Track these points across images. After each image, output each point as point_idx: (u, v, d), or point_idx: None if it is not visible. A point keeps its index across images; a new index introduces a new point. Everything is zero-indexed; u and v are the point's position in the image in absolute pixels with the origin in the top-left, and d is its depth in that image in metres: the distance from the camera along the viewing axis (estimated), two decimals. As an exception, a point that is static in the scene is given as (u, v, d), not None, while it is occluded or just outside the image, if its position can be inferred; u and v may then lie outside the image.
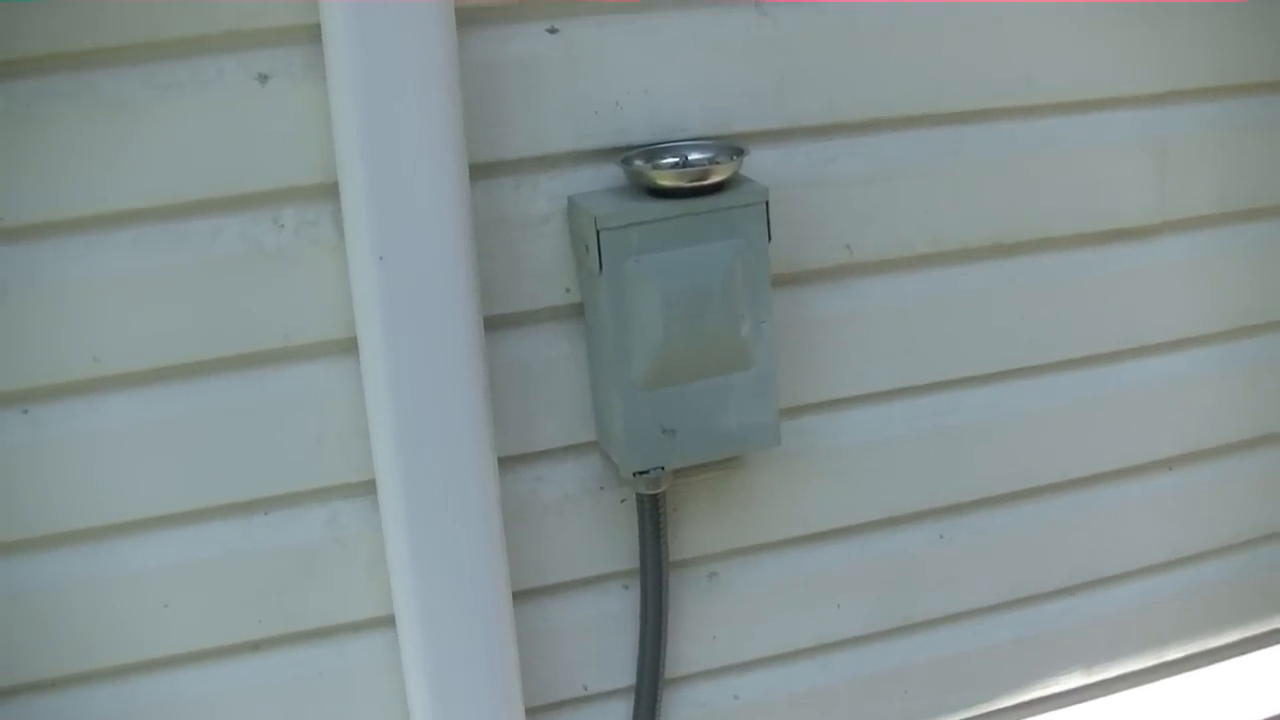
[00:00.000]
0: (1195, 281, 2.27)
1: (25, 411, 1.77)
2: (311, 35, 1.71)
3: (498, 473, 1.88)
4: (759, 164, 1.94)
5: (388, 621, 1.94)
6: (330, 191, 1.78)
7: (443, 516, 1.84)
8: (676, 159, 1.89)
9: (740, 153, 1.87)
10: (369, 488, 1.89)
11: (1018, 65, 2.07)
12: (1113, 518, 2.34)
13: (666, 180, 1.84)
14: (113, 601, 1.86)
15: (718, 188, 1.85)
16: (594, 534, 2.05)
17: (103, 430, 1.80)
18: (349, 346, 1.83)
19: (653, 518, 2.00)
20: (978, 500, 2.25)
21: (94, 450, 1.80)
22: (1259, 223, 2.29)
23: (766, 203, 1.86)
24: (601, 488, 2.03)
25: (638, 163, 1.87)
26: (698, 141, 1.92)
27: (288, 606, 1.93)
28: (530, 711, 2.01)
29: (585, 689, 2.11)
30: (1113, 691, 2.44)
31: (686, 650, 2.14)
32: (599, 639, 2.09)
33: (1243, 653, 2.51)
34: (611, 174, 1.90)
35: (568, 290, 1.93)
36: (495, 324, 1.89)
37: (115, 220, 1.74)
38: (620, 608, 2.09)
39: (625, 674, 2.11)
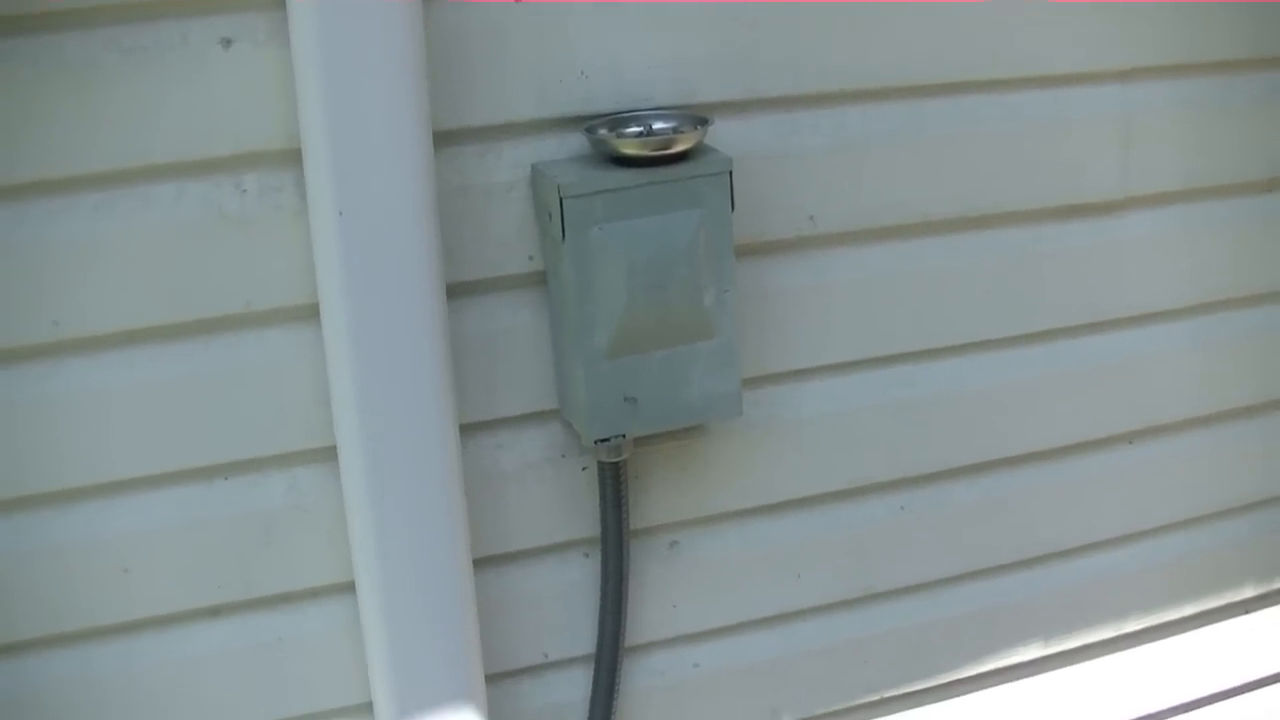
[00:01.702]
0: (1158, 258, 2.28)
1: (-16, 376, 1.76)
2: (275, 0, 1.70)
3: (459, 440, 1.88)
4: (723, 134, 1.94)
5: (348, 588, 1.94)
6: (294, 158, 1.77)
7: (403, 483, 1.84)
8: (641, 128, 1.89)
9: (704, 122, 1.87)
10: (330, 454, 1.88)
11: (983, 40, 2.07)
12: (1073, 491, 2.36)
13: (630, 149, 1.84)
14: (72, 567, 1.85)
15: (682, 157, 1.85)
16: (555, 502, 2.05)
17: (62, 395, 1.80)
18: (311, 313, 1.82)
19: (614, 486, 2.00)
20: (939, 472, 2.26)
21: (53, 415, 1.80)
22: (1222, 200, 2.30)
23: (730, 173, 1.86)
24: (563, 456, 2.03)
25: (602, 131, 1.87)
26: (662, 111, 1.91)
27: (248, 573, 1.93)
28: (490, 678, 2.01)
29: (545, 656, 2.11)
30: (1072, 663, 2.46)
31: (647, 619, 2.14)
32: (560, 607, 2.09)
33: (1201, 625, 2.53)
34: (576, 143, 1.90)
35: (531, 258, 1.93)
36: (458, 291, 1.88)
37: (77, 184, 1.73)
38: (581, 576, 2.09)
39: (586, 642, 2.11)
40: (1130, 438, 2.36)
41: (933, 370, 2.20)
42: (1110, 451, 2.36)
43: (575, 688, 2.13)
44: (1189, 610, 2.51)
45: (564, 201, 1.80)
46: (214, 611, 1.93)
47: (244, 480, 1.90)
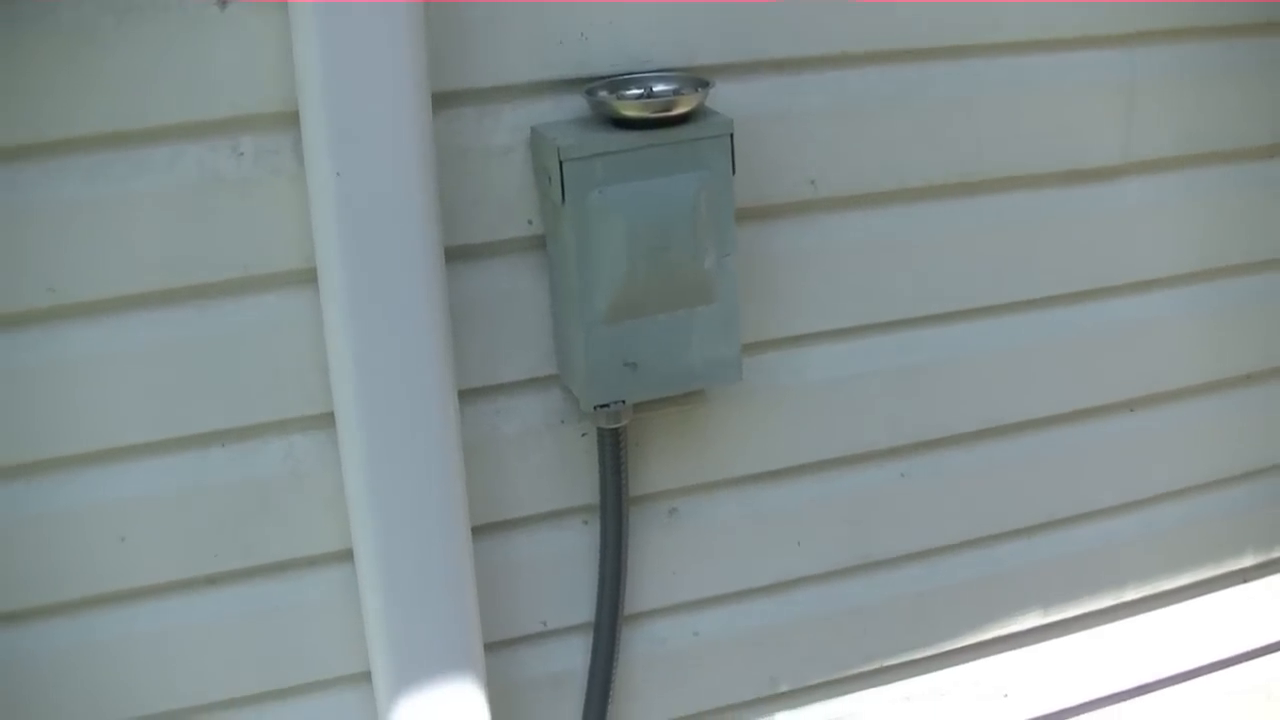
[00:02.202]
0: (1160, 224, 2.27)
1: (-21, 341, 1.75)
2: (271, -41, 1.69)
3: (458, 406, 1.87)
4: (724, 97, 1.93)
5: (346, 556, 1.93)
6: (291, 120, 1.75)
7: (402, 449, 1.83)
8: (641, 90, 1.88)
9: (705, 85, 1.85)
10: (328, 420, 1.88)
11: (987, 3, 2.06)
12: (1073, 458, 2.35)
13: (631, 111, 1.82)
14: (69, 534, 1.84)
15: (682, 119, 1.83)
16: (554, 468, 2.04)
17: (57, 362, 1.78)
18: (309, 278, 1.81)
19: (613, 452, 1.99)
20: (939, 439, 2.25)
21: (48, 383, 1.78)
22: (1224, 166, 2.29)
23: (731, 135, 1.85)
24: (562, 422, 2.02)
25: (602, 93, 1.85)
26: (663, 73, 1.90)
27: (245, 540, 1.92)
28: (489, 646, 2.00)
29: (544, 624, 2.10)
30: (1071, 632, 2.46)
31: (646, 586, 2.14)
32: (559, 574, 2.09)
33: (1200, 594, 2.53)
34: (576, 105, 1.88)
35: (530, 222, 1.91)
36: (457, 255, 1.87)
37: (71, 147, 1.71)
38: (580, 543, 2.08)
39: (585, 610, 2.11)
40: (1131, 405, 2.35)
41: (934, 336, 2.20)
42: (1111, 419, 2.36)
43: (574, 656, 2.13)
44: (1188, 579, 2.51)
45: (564, 164, 1.78)
46: (211, 580, 1.92)
47: (241, 447, 1.89)
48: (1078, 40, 2.13)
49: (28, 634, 1.87)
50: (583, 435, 2.03)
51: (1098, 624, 2.47)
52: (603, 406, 1.91)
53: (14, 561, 1.83)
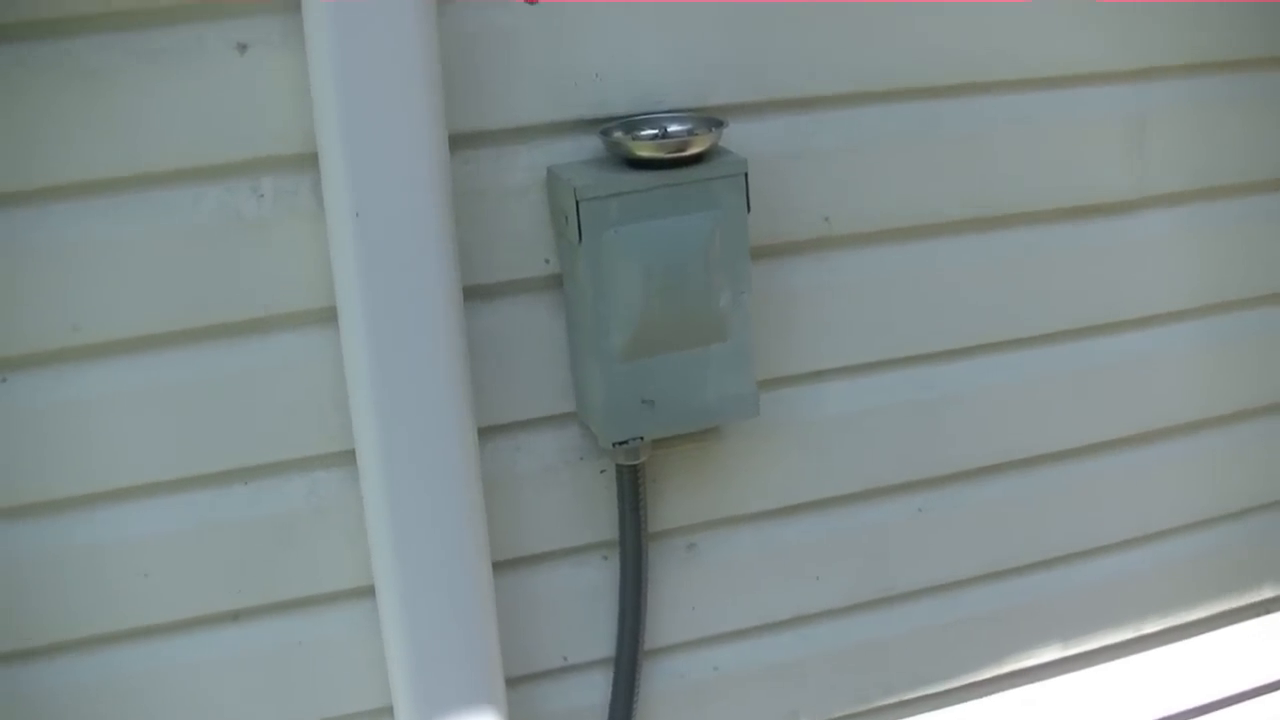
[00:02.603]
0: (1172, 257, 2.27)
1: (3, 380, 1.76)
2: (290, 5, 1.71)
3: (477, 442, 1.88)
4: (738, 136, 1.94)
5: (367, 592, 1.94)
6: (309, 162, 1.77)
7: (422, 486, 1.84)
8: (656, 130, 1.90)
9: (719, 124, 1.87)
10: (349, 458, 1.89)
11: (997, 40, 2.07)
12: (1090, 491, 2.35)
13: (646, 151, 1.84)
14: (92, 571, 1.86)
15: (697, 159, 1.85)
16: (573, 505, 2.05)
17: (82, 400, 1.80)
18: (329, 316, 1.83)
19: (632, 488, 2.00)
20: (956, 473, 2.25)
21: (73, 420, 1.80)
22: (1236, 199, 2.29)
23: (746, 174, 1.86)
24: (581, 458, 2.03)
25: (617, 134, 1.87)
26: (677, 113, 1.92)
27: (267, 576, 1.93)
28: (510, 681, 2.01)
29: (565, 659, 2.11)
30: (1091, 664, 2.45)
31: (666, 621, 2.14)
32: (579, 610, 2.10)
33: (1220, 626, 2.52)
34: (591, 145, 1.90)
35: (547, 261, 1.93)
36: (475, 294, 1.89)
37: (94, 189, 1.74)
38: (600, 579, 2.09)
39: (605, 645, 2.11)
40: (1146, 438, 2.35)
41: (948, 371, 2.20)
42: (1127, 451, 2.36)
43: (595, 691, 2.13)
44: (1208, 611, 2.50)
45: (580, 204, 1.80)
46: (234, 615, 1.94)
47: (263, 484, 1.90)
48: (1088, 76, 2.14)
49: (50, 670, 1.88)
50: (601, 472, 2.04)
51: (1118, 656, 2.47)
52: (621, 443, 1.92)
53: (38, 597, 1.85)
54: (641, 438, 1.92)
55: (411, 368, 1.80)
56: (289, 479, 1.91)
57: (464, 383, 1.84)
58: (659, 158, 1.84)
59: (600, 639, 2.11)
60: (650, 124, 1.90)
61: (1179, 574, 2.46)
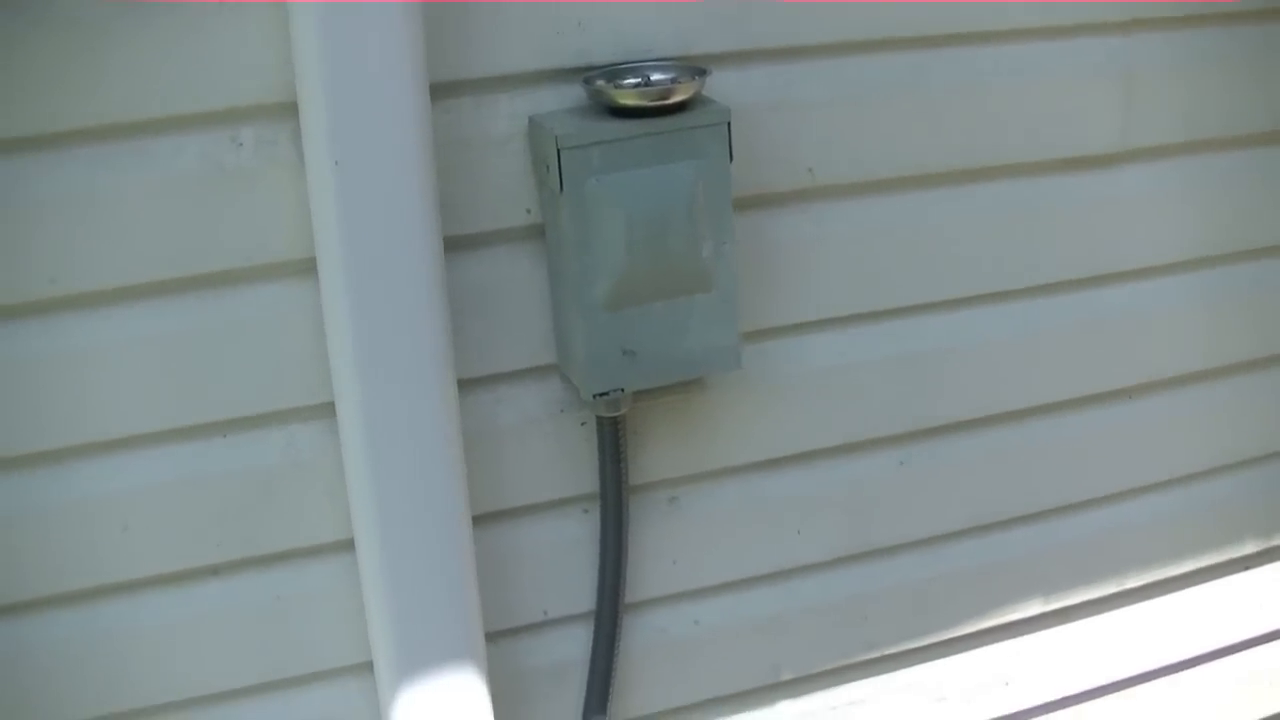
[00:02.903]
0: (1159, 210, 2.27)
1: (-21, 332, 1.75)
2: (270, -49, 1.70)
3: (457, 395, 1.87)
4: (721, 86, 1.92)
5: (347, 545, 1.94)
6: (289, 111, 1.76)
7: (402, 439, 1.83)
8: (638, 79, 1.88)
9: (702, 73, 1.86)
10: (328, 410, 1.88)
11: (984, -10, 2.07)
12: (1073, 446, 2.35)
13: (628, 99, 1.83)
14: (71, 525, 1.85)
15: (680, 108, 1.84)
16: (554, 457, 2.04)
17: (59, 352, 1.79)
18: (309, 268, 1.81)
19: (612, 441, 2.00)
20: (939, 427, 2.25)
21: (50, 372, 1.79)
22: (1223, 153, 2.29)
23: (728, 123, 1.85)
24: (561, 410, 2.03)
25: (599, 82, 1.86)
26: (660, 62, 1.90)
27: (247, 530, 1.93)
28: (490, 636, 2.00)
29: (545, 614, 2.11)
30: (1072, 619, 2.46)
31: (647, 575, 2.14)
32: (559, 563, 2.09)
33: (1202, 581, 2.53)
34: (573, 94, 1.89)
35: (528, 211, 1.92)
36: (455, 245, 1.87)
37: (72, 139, 1.72)
38: (580, 532, 2.08)
39: (585, 599, 2.11)
40: (1131, 392, 2.35)
41: (933, 324, 2.20)
42: (1111, 406, 2.36)
43: (576, 645, 2.13)
44: (1190, 566, 2.50)
45: (561, 152, 1.79)
46: (214, 570, 1.93)
47: (242, 437, 1.90)
48: (1076, 27, 2.13)
49: (30, 625, 1.88)
50: (582, 424, 2.04)
51: (1100, 611, 2.47)
52: (602, 395, 1.91)
53: (17, 552, 1.84)
54: (623, 389, 1.92)
55: (391, 319, 1.79)
56: (268, 432, 1.91)
57: (444, 334, 1.83)
58: (641, 106, 1.83)
59: (581, 593, 2.11)
60: (633, 72, 1.89)
61: (1162, 529, 2.46)
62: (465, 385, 1.93)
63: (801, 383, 2.14)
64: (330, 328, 1.80)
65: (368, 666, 1.98)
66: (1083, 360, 2.30)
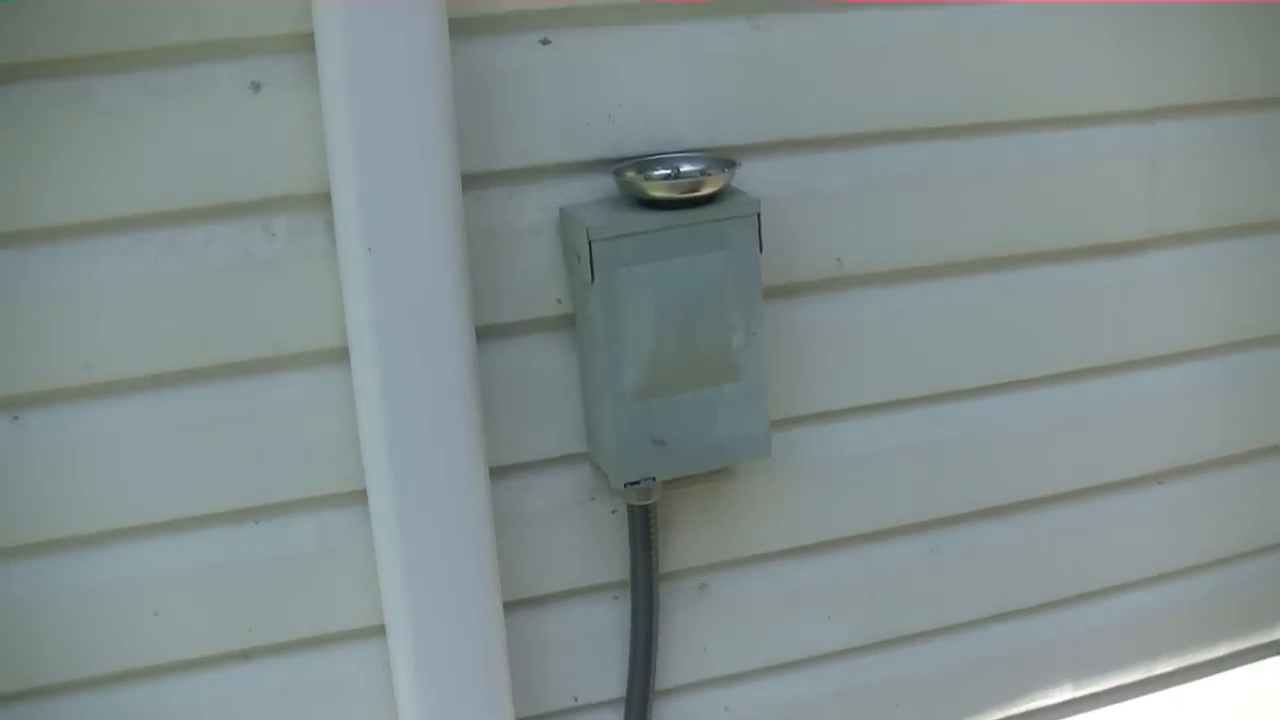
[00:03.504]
0: (1184, 297, 2.27)
1: (15, 418, 1.76)
2: (304, 44, 1.72)
3: (488, 483, 1.88)
4: (750, 176, 1.94)
5: (378, 631, 1.94)
6: (322, 201, 1.78)
7: (433, 526, 1.84)
8: (668, 170, 1.90)
9: (732, 165, 1.87)
10: (359, 497, 1.88)
11: (1009, 80, 2.08)
12: (1102, 531, 2.34)
13: (658, 191, 1.84)
14: (102, 609, 1.85)
15: (709, 199, 1.85)
16: (585, 544, 2.04)
17: (93, 437, 1.80)
18: (340, 355, 1.83)
19: (643, 528, 2.00)
20: (967, 513, 2.25)
21: (84, 457, 1.80)
22: (1247, 238, 2.29)
23: (758, 214, 1.86)
24: (592, 498, 2.03)
25: (629, 174, 1.87)
26: (690, 153, 1.92)
27: (278, 615, 1.93)
28: (521, 721, 2.01)
29: (575, 700, 2.10)
30: (1102, 705, 2.44)
31: (677, 661, 2.13)
32: (590, 650, 2.09)
33: (1232, 666, 2.51)
34: (603, 185, 1.90)
35: (559, 301, 1.93)
36: (487, 334, 1.88)
37: (107, 227, 1.74)
38: (611, 619, 2.08)
39: (616, 685, 2.10)
40: (1159, 477, 2.35)
41: (960, 410, 2.20)
42: (1139, 491, 2.35)
43: (605, 732, 2.13)
44: (1220, 651, 2.49)
45: (593, 244, 1.80)
46: (244, 654, 1.93)
47: (273, 523, 1.90)
48: (1099, 116, 2.14)
49: (59, 710, 1.88)
50: (613, 512, 2.04)
51: (1129, 697, 2.45)
52: (633, 484, 1.92)
53: (47, 635, 1.84)
54: (654, 478, 1.92)
55: (423, 406, 1.80)
56: (299, 518, 1.91)
57: (476, 422, 1.84)
58: (672, 198, 1.84)
59: (611, 679, 2.10)
60: (663, 164, 1.90)
61: (1191, 614, 2.45)
62: (496, 473, 1.94)
63: (830, 470, 2.14)
64: (362, 414, 1.81)
65: (399, 753, 1.98)
66: (1110, 446, 2.29)
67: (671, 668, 2.13)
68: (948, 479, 2.22)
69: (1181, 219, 2.23)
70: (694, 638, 2.14)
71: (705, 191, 1.84)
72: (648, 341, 1.84)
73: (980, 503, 2.25)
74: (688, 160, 1.91)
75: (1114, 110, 2.15)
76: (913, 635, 2.27)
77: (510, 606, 1.97)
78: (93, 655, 1.87)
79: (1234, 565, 2.45)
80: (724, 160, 1.89)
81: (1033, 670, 2.37)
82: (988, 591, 2.30)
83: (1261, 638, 2.51)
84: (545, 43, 1.84)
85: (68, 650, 1.85)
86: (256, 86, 1.74)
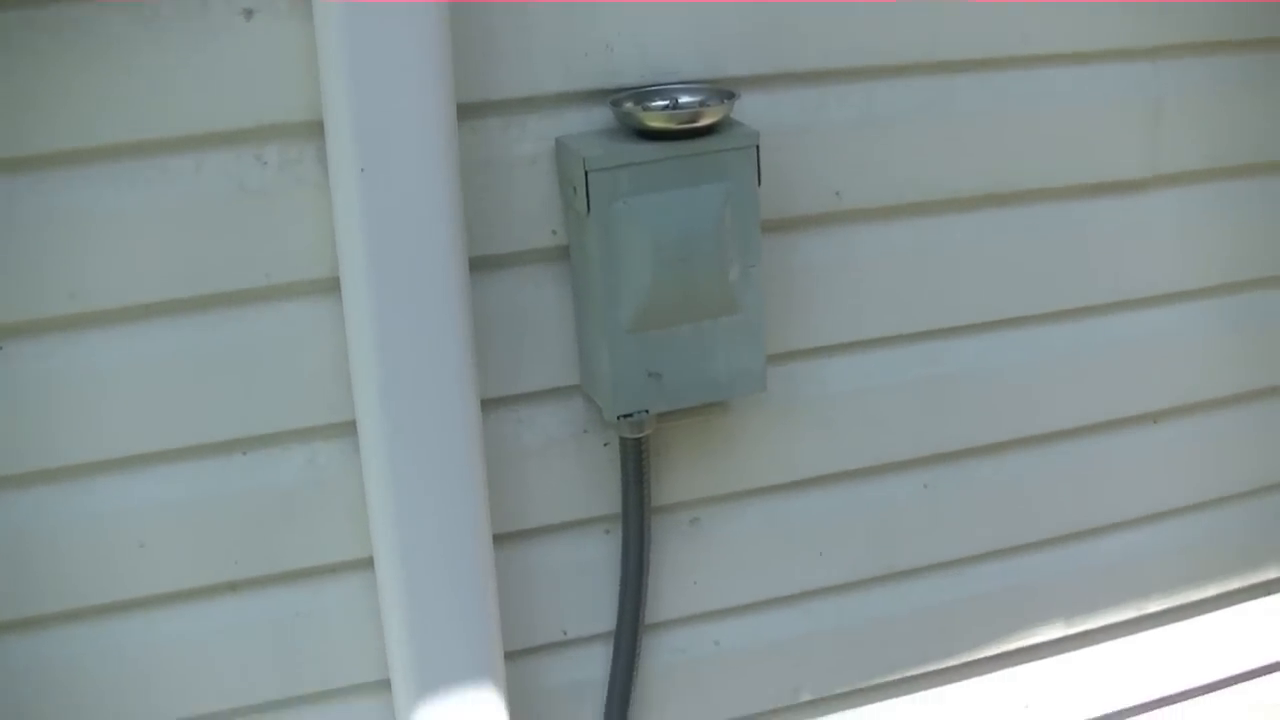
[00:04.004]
0: (1185, 236, 2.26)
1: (0, 348, 1.74)
2: (296, -30, 1.69)
3: (480, 415, 1.86)
4: (750, 109, 1.92)
5: (367, 564, 1.93)
6: (315, 130, 1.75)
7: (424, 458, 1.82)
8: (666, 101, 1.87)
9: (731, 96, 1.85)
10: (349, 429, 1.87)
11: (1014, 16, 2.05)
12: (1098, 470, 2.34)
13: (656, 122, 1.82)
14: (89, 541, 1.84)
15: (708, 131, 1.83)
16: (576, 478, 2.04)
17: (79, 368, 1.78)
18: (332, 287, 1.81)
19: (636, 462, 1.99)
20: (963, 450, 2.24)
21: (70, 388, 1.78)
22: (1249, 179, 2.27)
23: (757, 146, 1.84)
24: (585, 431, 2.02)
25: (627, 104, 1.85)
26: (688, 84, 1.89)
27: (266, 548, 1.92)
28: (509, 655, 1.99)
29: (565, 633, 2.10)
30: (1094, 643, 2.45)
31: (667, 596, 2.13)
32: (580, 584, 2.08)
33: (1224, 606, 2.51)
34: (601, 116, 1.88)
35: (554, 232, 1.91)
36: (481, 265, 1.87)
37: (95, 155, 1.71)
38: (601, 553, 2.07)
39: (605, 619, 2.10)
40: (1155, 417, 2.34)
41: (958, 348, 2.19)
42: (1135, 431, 2.34)
43: (595, 665, 2.12)
44: (1212, 591, 2.49)
45: (589, 174, 1.78)
46: (232, 587, 1.92)
47: (262, 455, 1.89)
48: (1104, 53, 2.12)
49: (47, 640, 1.87)
50: (605, 445, 2.03)
51: (1121, 635, 2.46)
52: (626, 416, 1.90)
53: (34, 568, 1.83)
54: (647, 411, 1.91)
55: (415, 337, 1.78)
56: (289, 450, 1.90)
57: (468, 353, 1.82)
58: (670, 129, 1.81)
59: (601, 613, 2.10)
60: (661, 95, 1.88)
61: (1184, 554, 2.45)
62: (488, 405, 1.92)
63: (826, 405, 2.13)
64: (353, 346, 1.79)
65: (385, 685, 1.97)
66: (1107, 384, 2.29)
67: (662, 602, 2.13)
68: (944, 416, 2.21)
69: (1184, 159, 2.21)
70: (685, 572, 2.13)
71: (704, 123, 1.82)
72: (644, 274, 1.82)
73: (976, 440, 2.24)
74: (686, 91, 1.88)
75: (1119, 48, 2.13)
76: (906, 572, 2.26)
77: (500, 539, 1.96)
78: (80, 587, 1.86)
79: (1229, 506, 2.45)
80: (723, 92, 1.87)
81: (1025, 608, 2.37)
82: (982, 529, 2.29)
83: (1253, 579, 2.52)
84: (544, -33, 1.82)
85: (53, 583, 1.85)
86: (249, 14, 1.71)
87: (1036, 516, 2.32)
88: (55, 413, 1.78)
